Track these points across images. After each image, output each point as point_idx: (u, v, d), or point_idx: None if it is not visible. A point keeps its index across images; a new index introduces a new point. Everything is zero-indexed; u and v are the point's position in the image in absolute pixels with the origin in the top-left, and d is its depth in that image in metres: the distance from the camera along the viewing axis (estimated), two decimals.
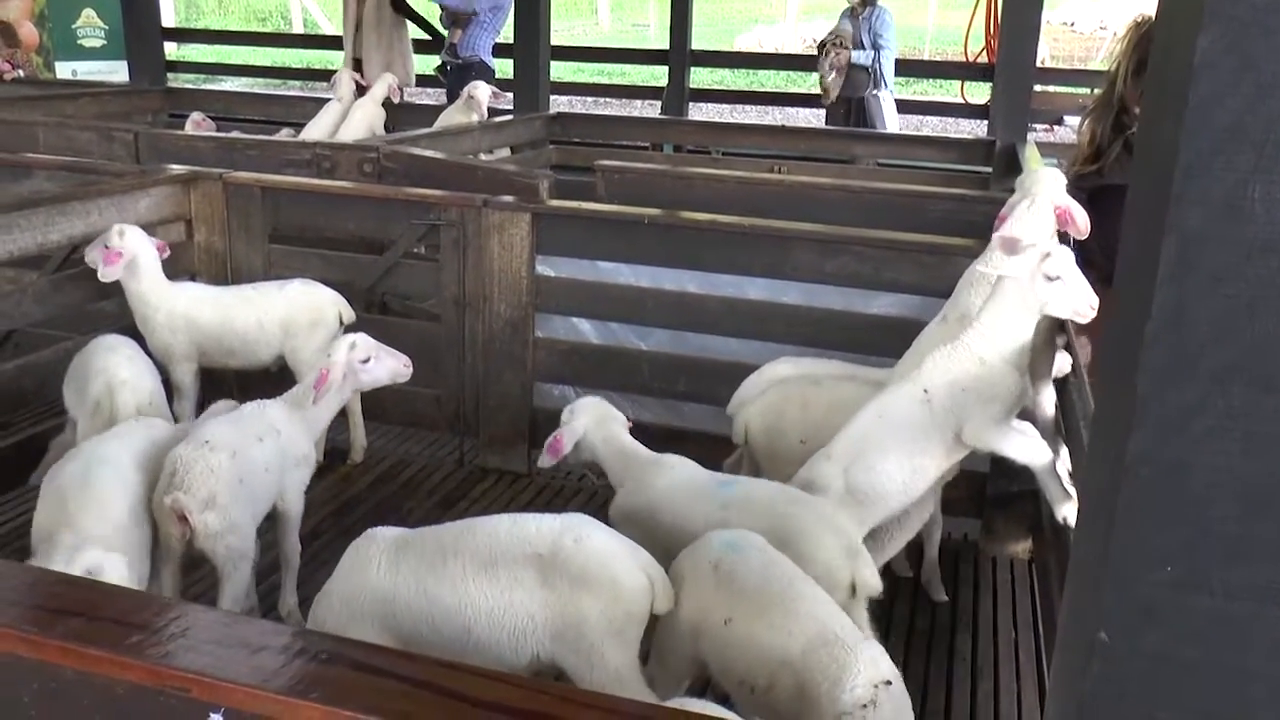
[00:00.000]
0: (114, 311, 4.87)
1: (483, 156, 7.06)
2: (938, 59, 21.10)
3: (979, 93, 12.27)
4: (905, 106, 15.63)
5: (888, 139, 8.38)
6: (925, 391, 3.12)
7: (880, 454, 3.13)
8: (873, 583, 2.86)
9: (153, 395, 3.81)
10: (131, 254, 4.19)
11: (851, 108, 10.17)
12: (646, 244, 4.38)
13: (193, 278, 4.82)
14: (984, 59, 11.19)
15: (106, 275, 4.18)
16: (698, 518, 2.99)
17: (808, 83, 18.00)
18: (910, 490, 3.18)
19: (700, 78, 12.34)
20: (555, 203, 4.55)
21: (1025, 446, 3.12)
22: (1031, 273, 3.00)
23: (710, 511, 3.01)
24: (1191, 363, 0.96)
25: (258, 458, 3.33)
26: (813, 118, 13.99)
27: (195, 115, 7.69)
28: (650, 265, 4.55)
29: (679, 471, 3.22)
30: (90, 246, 4.23)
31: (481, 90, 7.59)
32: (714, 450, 3.98)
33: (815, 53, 10.52)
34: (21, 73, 9.49)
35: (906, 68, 18.83)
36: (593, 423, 3.33)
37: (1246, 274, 0.93)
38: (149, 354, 4.07)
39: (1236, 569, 0.99)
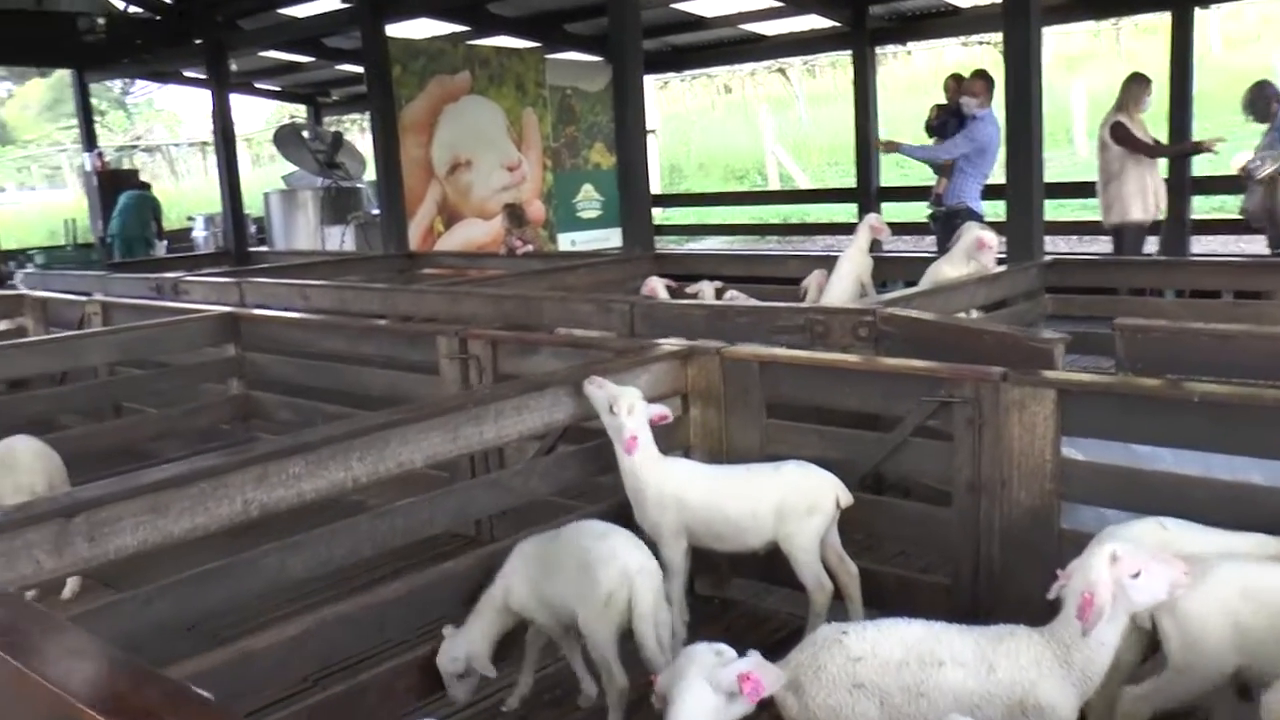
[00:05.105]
0: (610, 484, 4.91)
1: (973, 313, 6.63)
2: None
3: None
4: None
5: None
6: None
7: None
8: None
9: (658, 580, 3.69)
10: (634, 431, 4.16)
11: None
12: (1193, 424, 3.67)
13: (687, 453, 4.73)
14: None
15: (630, 456, 4.16)
16: None
17: None
18: None
19: (1202, 205, 11.00)
20: (1085, 377, 4.01)
21: None
22: None
23: None
24: None
25: (931, 680, 2.98)
26: None
27: (652, 280, 7.89)
28: (1198, 449, 3.85)
29: None
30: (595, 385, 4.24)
31: (990, 236, 6.99)
32: None
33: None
34: (531, 247, 10.31)
35: None
36: None
37: None
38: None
39: None
